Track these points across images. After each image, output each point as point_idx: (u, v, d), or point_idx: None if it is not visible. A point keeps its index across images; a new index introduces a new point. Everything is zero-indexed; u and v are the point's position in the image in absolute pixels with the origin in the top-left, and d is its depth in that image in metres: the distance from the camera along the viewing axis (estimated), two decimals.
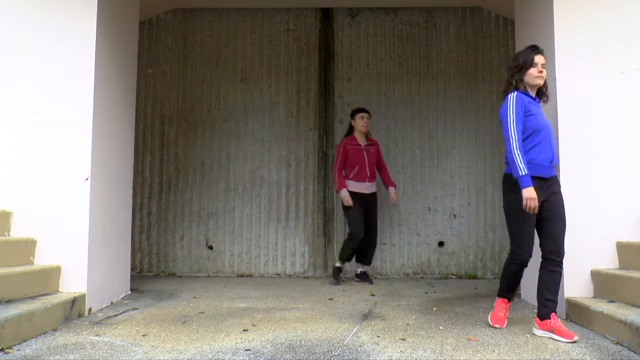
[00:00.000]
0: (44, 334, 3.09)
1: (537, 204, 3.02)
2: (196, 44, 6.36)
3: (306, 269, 6.09)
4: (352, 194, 5.19)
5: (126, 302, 4.21)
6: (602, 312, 3.11)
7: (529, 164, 3.10)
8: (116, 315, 3.64)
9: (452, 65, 6.24)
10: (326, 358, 2.61)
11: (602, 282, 3.50)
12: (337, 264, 5.36)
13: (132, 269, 5.16)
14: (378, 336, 3.06)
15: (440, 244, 6.07)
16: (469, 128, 6.18)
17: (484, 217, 6.06)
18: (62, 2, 3.82)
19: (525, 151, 3.14)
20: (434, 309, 3.97)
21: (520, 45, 4.53)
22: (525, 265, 3.24)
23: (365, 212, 5.25)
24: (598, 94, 3.72)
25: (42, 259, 3.64)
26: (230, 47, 6.34)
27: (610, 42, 3.74)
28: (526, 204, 3.02)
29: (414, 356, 2.65)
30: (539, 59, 3.22)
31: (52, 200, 3.69)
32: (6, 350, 2.67)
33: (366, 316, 3.68)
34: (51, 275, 3.58)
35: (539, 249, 3.19)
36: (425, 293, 4.77)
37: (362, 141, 5.34)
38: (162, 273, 6.10)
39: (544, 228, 3.18)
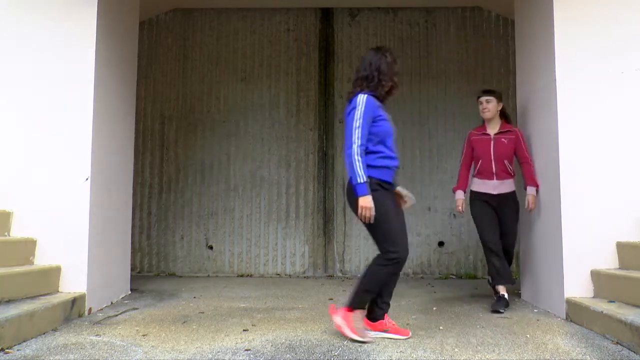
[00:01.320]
0: (44, 334, 3.09)
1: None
2: (196, 44, 6.36)
3: (306, 269, 6.09)
4: (477, 195, 4.15)
5: (126, 302, 4.21)
6: (602, 312, 3.11)
7: (380, 168, 2.99)
8: (116, 315, 3.64)
9: (452, 65, 6.24)
10: (326, 358, 2.61)
11: (602, 282, 3.50)
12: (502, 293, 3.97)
13: (132, 269, 5.17)
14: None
15: (440, 244, 6.07)
16: (469, 128, 6.12)
17: None
18: (62, 2, 3.82)
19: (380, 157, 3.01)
20: (434, 309, 3.97)
21: (521, 45, 4.54)
22: (404, 262, 2.99)
23: (497, 216, 4.10)
24: (598, 93, 3.72)
25: (42, 259, 3.64)
26: (230, 47, 6.35)
27: (610, 42, 3.74)
28: (362, 213, 2.87)
29: (414, 356, 2.65)
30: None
31: (52, 200, 3.69)
32: (6, 350, 2.67)
33: None
34: (51, 275, 3.57)
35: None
36: (427, 292, 4.77)
37: (492, 129, 4.17)
38: (162, 273, 6.10)
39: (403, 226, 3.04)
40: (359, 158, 2.89)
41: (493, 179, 4.09)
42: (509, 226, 4.09)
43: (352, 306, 2.97)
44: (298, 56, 6.31)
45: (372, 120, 2.97)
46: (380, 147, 3.01)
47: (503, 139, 4.10)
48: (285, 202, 6.17)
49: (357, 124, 2.92)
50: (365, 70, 3.10)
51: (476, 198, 4.13)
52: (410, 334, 3.05)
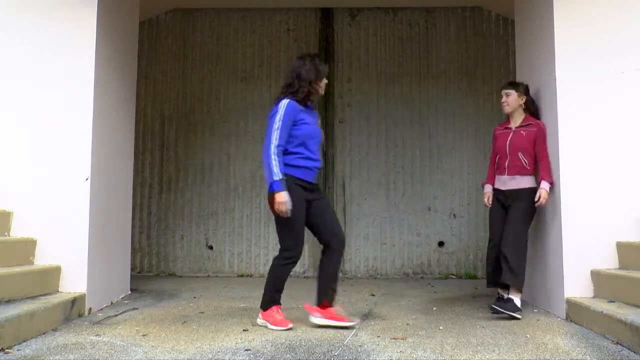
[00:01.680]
0: (44, 334, 3.08)
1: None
2: (196, 44, 6.36)
3: (306, 269, 6.09)
4: (494, 191, 4.02)
5: (126, 302, 4.21)
6: (602, 312, 3.11)
7: (299, 168, 3.24)
8: (116, 315, 3.64)
9: (452, 65, 6.24)
10: (326, 358, 2.61)
11: (602, 282, 3.50)
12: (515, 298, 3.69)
13: (132, 269, 5.16)
14: (378, 336, 3.06)
15: (440, 244, 6.07)
16: (469, 128, 6.18)
17: (484, 217, 6.04)
18: (62, 2, 3.82)
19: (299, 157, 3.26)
20: (434, 309, 3.97)
21: (520, 45, 4.54)
22: (296, 263, 3.30)
23: (505, 214, 3.90)
24: (598, 93, 3.72)
25: (42, 259, 3.64)
26: (230, 47, 6.35)
27: (610, 42, 3.74)
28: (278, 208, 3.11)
29: (414, 356, 2.65)
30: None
31: (52, 200, 3.69)
32: (6, 350, 2.67)
33: (366, 316, 3.68)
34: (51, 275, 3.57)
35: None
36: (428, 292, 4.77)
37: (514, 123, 3.97)
38: (162, 273, 6.10)
39: (321, 224, 3.34)
40: (275, 157, 3.15)
41: (504, 174, 3.93)
42: (508, 224, 3.80)
43: (266, 307, 3.31)
44: None
45: (292, 124, 3.23)
46: (300, 149, 3.26)
47: (522, 132, 3.89)
48: None
49: (277, 126, 3.20)
50: (288, 77, 3.36)
51: (493, 194, 4.04)
52: (354, 322, 3.30)
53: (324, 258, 3.40)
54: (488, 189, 4.10)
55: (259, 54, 6.33)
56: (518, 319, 3.51)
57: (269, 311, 3.30)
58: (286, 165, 3.21)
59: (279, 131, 3.19)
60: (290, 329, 3.21)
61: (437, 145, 6.18)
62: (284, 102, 3.25)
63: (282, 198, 3.10)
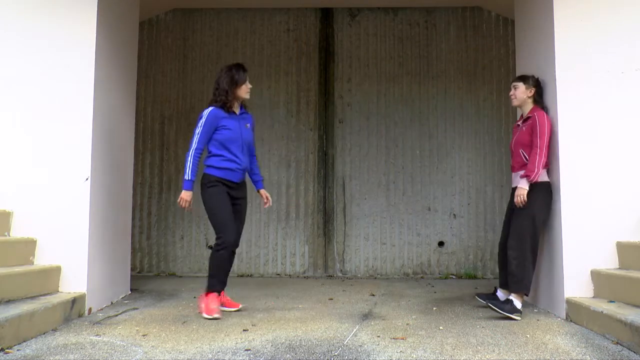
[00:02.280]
0: (44, 334, 3.09)
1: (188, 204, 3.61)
2: (196, 44, 6.36)
3: (306, 269, 6.09)
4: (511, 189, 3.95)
5: (126, 302, 4.21)
6: (602, 312, 3.11)
7: (222, 169, 3.65)
8: (116, 315, 3.64)
9: (452, 65, 6.24)
10: (326, 358, 2.61)
11: (602, 282, 3.50)
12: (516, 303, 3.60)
13: (132, 269, 5.17)
14: (378, 336, 3.06)
15: (440, 244, 6.07)
16: (469, 128, 6.18)
17: (484, 217, 6.06)
18: (62, 2, 3.82)
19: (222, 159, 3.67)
20: (434, 309, 3.97)
21: (520, 45, 4.54)
22: (234, 248, 3.67)
23: (512, 213, 3.88)
24: (598, 94, 3.72)
25: (42, 259, 3.64)
26: (230, 47, 6.35)
27: (610, 42, 3.74)
28: (180, 202, 3.61)
29: (414, 356, 2.65)
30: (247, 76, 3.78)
31: (52, 200, 3.69)
32: (6, 350, 2.67)
33: (366, 316, 3.68)
34: (51, 275, 3.57)
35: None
36: (428, 292, 4.77)
37: (523, 118, 3.94)
38: (162, 273, 6.10)
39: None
40: (192, 160, 3.61)
41: (513, 171, 3.91)
42: (513, 225, 3.72)
43: (206, 290, 3.64)
44: (298, 56, 6.31)
45: (214, 130, 3.66)
46: (223, 152, 3.67)
47: (523, 127, 3.82)
48: (285, 202, 6.17)
49: (198, 131, 3.64)
50: (214, 87, 3.78)
51: (511, 193, 3.96)
52: (241, 306, 3.85)
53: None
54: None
55: (259, 54, 6.33)
56: (516, 320, 3.50)
57: (206, 296, 3.62)
58: (211, 167, 3.67)
59: (199, 136, 3.63)
60: (215, 318, 3.51)
61: (437, 145, 6.18)
62: (207, 111, 3.67)
63: (186, 196, 3.61)
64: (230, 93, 3.69)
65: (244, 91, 3.76)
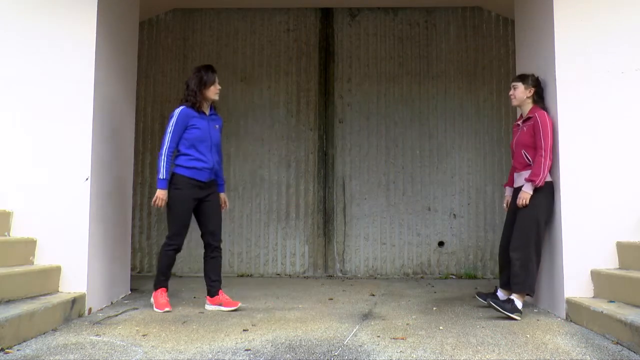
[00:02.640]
0: (44, 334, 3.09)
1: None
2: (196, 44, 6.36)
3: (306, 269, 6.09)
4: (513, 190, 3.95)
5: (126, 302, 4.21)
6: (602, 312, 3.11)
7: (190, 168, 3.73)
8: (116, 315, 3.64)
9: (452, 65, 6.24)
10: (326, 358, 2.61)
11: (602, 282, 3.50)
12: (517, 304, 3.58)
13: (132, 269, 5.16)
14: (378, 336, 3.06)
15: (440, 244, 6.07)
16: (469, 128, 6.18)
17: (484, 217, 6.06)
18: (62, 2, 3.82)
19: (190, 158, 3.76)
20: (434, 309, 3.97)
21: (520, 45, 4.54)
22: (179, 251, 3.82)
23: (514, 214, 3.82)
24: (598, 94, 3.72)
25: (42, 259, 3.64)
26: (230, 47, 6.35)
27: (610, 42, 3.74)
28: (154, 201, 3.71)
29: (414, 356, 2.65)
30: (217, 78, 3.86)
31: (52, 200, 3.69)
32: (6, 350, 2.67)
33: (366, 316, 3.68)
34: (51, 275, 3.57)
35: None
36: (428, 292, 4.77)
37: (523, 118, 3.93)
38: None
39: (204, 223, 3.85)
40: (165, 159, 3.71)
41: (515, 172, 3.89)
42: (516, 226, 3.71)
43: (154, 287, 3.83)
44: (298, 56, 6.31)
45: (185, 128, 3.74)
46: (191, 151, 3.75)
47: (524, 127, 3.80)
48: (285, 202, 6.17)
49: (169, 130, 3.73)
50: (184, 87, 3.89)
51: (512, 194, 3.95)
52: (240, 304, 3.84)
53: (204, 255, 3.91)
54: (507, 192, 4.07)
55: (259, 54, 6.33)
56: (516, 319, 3.51)
57: (156, 292, 3.81)
58: (179, 166, 3.75)
59: (170, 135, 3.73)
60: (167, 311, 3.71)
61: (437, 145, 6.18)
62: (178, 110, 3.77)
63: (161, 195, 3.70)
64: (199, 94, 3.79)
65: (213, 92, 3.84)
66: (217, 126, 3.93)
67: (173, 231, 3.77)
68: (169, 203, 3.74)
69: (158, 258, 3.90)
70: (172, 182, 3.74)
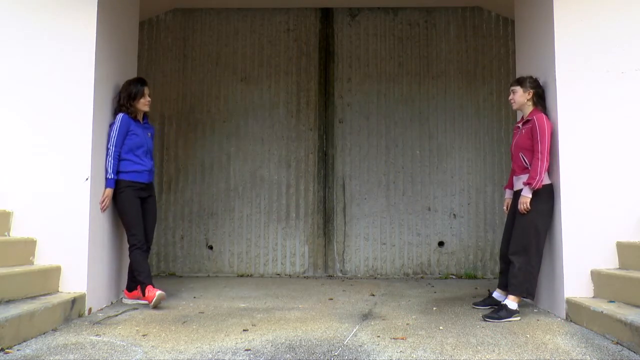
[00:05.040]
0: (44, 334, 3.09)
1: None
2: (196, 44, 6.36)
3: (306, 269, 6.09)
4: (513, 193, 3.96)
5: (126, 302, 4.21)
6: (602, 312, 3.11)
7: (130, 172, 4.00)
8: (116, 315, 3.64)
9: (452, 65, 6.24)
10: (326, 358, 2.61)
11: (602, 282, 3.50)
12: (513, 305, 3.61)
13: None
14: (378, 336, 3.06)
15: (440, 244, 6.07)
16: (469, 128, 6.18)
17: (484, 217, 6.06)
18: (62, 2, 3.82)
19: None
20: (434, 309, 3.97)
21: (520, 45, 4.54)
22: (143, 248, 4.00)
23: (514, 217, 3.82)
24: (598, 94, 3.72)
25: (42, 259, 3.64)
26: (230, 47, 6.35)
27: (610, 42, 3.74)
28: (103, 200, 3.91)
29: (414, 356, 2.65)
30: (146, 90, 4.13)
31: (52, 200, 3.69)
32: (6, 350, 2.67)
33: (366, 316, 3.68)
34: (51, 275, 3.57)
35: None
36: (428, 292, 4.77)
37: (523, 120, 3.90)
38: (162, 273, 6.10)
39: (144, 222, 4.09)
40: (112, 160, 3.94)
41: (514, 175, 3.90)
42: (515, 228, 3.71)
43: (142, 289, 3.97)
44: (298, 56, 6.31)
45: (126, 134, 4.00)
46: (130, 156, 4.02)
47: (523, 130, 3.79)
48: (285, 202, 6.17)
49: (114, 134, 3.96)
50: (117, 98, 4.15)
51: (512, 197, 3.94)
52: (162, 297, 3.90)
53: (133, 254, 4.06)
54: (507, 194, 4.07)
55: (259, 54, 6.33)
56: (516, 320, 3.50)
57: (146, 290, 3.91)
58: (122, 172, 3.99)
59: (115, 139, 3.95)
60: (160, 297, 3.85)
61: (437, 145, 6.18)
62: (119, 116, 4.00)
63: (107, 194, 3.92)
64: (130, 106, 4.05)
65: (143, 104, 4.11)
66: (149, 134, 4.23)
67: (131, 232, 4.00)
68: (119, 207, 4.02)
69: (129, 264, 4.10)
70: (117, 188, 3.98)
